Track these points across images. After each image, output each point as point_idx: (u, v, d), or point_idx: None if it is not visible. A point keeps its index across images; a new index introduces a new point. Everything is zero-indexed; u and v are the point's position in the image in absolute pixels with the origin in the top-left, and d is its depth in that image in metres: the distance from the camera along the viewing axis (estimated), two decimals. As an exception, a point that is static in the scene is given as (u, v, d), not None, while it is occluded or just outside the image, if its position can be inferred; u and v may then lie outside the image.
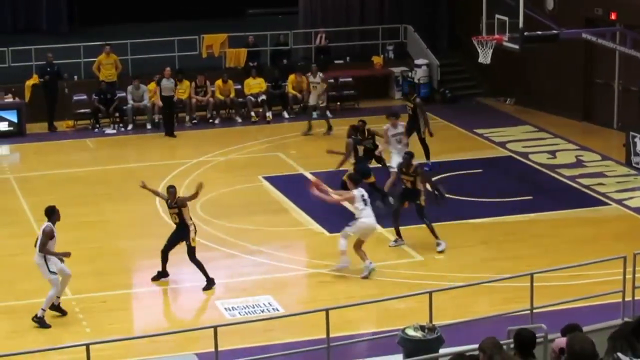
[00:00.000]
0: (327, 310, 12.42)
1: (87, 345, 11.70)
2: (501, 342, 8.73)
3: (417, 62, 30.20)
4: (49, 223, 15.42)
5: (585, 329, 10.20)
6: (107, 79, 27.69)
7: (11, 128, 26.73)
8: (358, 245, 17.21)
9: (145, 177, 22.77)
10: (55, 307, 15.67)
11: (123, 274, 17.91)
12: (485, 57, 21.89)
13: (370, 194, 18.06)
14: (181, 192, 18.47)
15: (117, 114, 27.49)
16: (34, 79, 27.44)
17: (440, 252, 18.20)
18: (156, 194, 17.86)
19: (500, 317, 13.85)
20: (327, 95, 27.31)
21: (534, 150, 24.79)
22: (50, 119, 27.14)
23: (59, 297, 15.68)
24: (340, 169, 19.97)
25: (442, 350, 12.20)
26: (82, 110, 27.69)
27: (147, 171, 23.27)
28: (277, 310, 15.93)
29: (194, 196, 16.85)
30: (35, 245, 15.48)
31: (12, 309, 16.21)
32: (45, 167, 23.88)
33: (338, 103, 29.34)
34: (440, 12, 32.12)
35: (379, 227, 17.90)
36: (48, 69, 27.11)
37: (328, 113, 27.08)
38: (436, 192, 18.86)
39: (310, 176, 21.11)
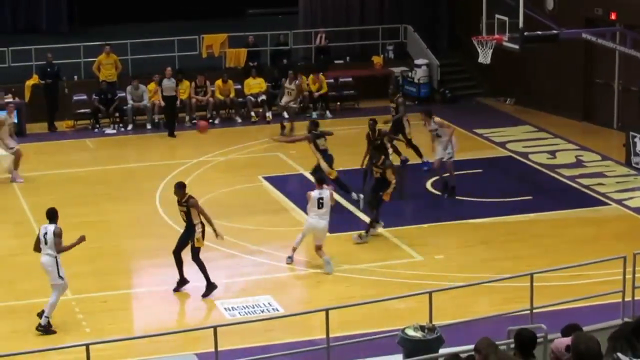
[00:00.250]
0: (327, 310, 12.41)
1: (87, 345, 11.70)
2: (501, 342, 8.73)
3: (417, 62, 30.19)
4: (55, 224, 15.34)
5: (585, 329, 10.18)
6: (107, 79, 27.68)
7: (11, 128, 26.76)
8: (316, 249, 17.45)
9: (145, 177, 23.02)
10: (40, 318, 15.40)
11: (123, 274, 17.92)
12: (485, 57, 21.88)
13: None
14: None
15: (117, 114, 27.49)
16: (34, 79, 27.44)
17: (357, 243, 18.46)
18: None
19: (500, 317, 13.85)
20: (304, 100, 27.73)
21: (534, 150, 24.78)
22: (50, 119, 27.13)
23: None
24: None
25: (442, 351, 12.18)
26: (82, 110, 27.69)
27: (147, 171, 23.28)
28: (277, 310, 15.92)
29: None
30: (35, 250, 15.38)
31: (12, 309, 16.21)
32: (46, 167, 23.84)
33: (338, 103, 29.35)
34: (440, 12, 32.11)
35: (325, 228, 17.59)
36: (48, 69, 27.10)
37: (293, 116, 26.70)
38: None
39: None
